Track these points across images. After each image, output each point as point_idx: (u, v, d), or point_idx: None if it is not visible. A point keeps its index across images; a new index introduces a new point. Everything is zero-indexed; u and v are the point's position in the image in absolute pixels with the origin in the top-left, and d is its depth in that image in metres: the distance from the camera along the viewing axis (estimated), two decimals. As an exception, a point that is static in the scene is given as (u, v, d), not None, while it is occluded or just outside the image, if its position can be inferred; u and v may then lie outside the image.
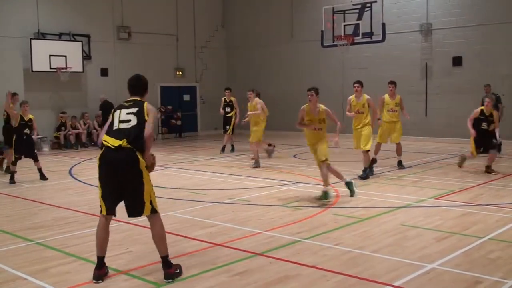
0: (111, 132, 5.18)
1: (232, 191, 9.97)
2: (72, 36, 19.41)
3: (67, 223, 7.66)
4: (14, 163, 11.45)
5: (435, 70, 18.55)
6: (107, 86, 20.25)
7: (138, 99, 5.38)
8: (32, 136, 11.64)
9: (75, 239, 6.76)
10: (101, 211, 5.25)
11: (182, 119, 22.90)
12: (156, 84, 21.72)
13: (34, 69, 18.05)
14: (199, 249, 6.17)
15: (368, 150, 10.72)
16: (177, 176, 11.94)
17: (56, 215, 8.22)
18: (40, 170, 11.63)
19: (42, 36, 18.65)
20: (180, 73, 23.14)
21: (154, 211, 5.22)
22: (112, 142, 5.09)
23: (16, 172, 11.44)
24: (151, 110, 5.25)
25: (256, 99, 13.72)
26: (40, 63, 18.10)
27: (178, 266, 5.32)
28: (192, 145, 18.87)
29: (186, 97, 23.60)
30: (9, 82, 17.64)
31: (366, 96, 10.85)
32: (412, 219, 7.47)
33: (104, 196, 5.18)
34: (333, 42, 18.28)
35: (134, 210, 5.18)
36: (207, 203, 8.88)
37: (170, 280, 5.12)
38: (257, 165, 12.87)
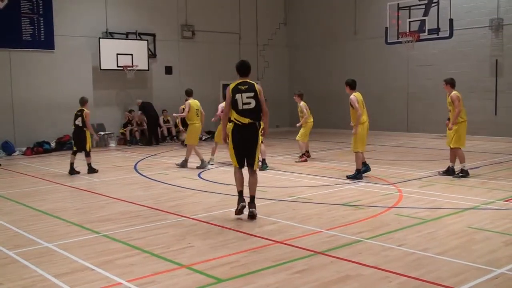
0: (239, 112, 7.29)
1: (293, 189, 9.96)
2: (138, 35, 19.95)
3: (132, 217, 7.88)
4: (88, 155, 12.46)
5: (506, 67, 17.77)
6: (171, 83, 20.70)
7: (248, 80, 7.42)
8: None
9: (139, 232, 6.94)
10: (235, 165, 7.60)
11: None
12: (219, 82, 21.96)
13: (102, 67, 18.68)
14: (259, 246, 6.19)
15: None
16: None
17: (122, 209, 8.48)
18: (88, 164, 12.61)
19: (110, 35, 19.28)
20: (242, 70, 23.29)
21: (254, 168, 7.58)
22: (243, 120, 7.30)
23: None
24: (261, 90, 7.42)
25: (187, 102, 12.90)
26: (108, 62, 18.71)
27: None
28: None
29: (248, 95, 23.71)
30: (79, 80, 18.44)
31: (301, 103, 13.42)
32: (479, 221, 7.19)
33: (237, 157, 7.47)
34: (398, 39, 17.91)
35: (250, 164, 7.48)
36: (268, 200, 8.91)
37: (252, 214, 7.31)
38: (183, 164, 12.89)
